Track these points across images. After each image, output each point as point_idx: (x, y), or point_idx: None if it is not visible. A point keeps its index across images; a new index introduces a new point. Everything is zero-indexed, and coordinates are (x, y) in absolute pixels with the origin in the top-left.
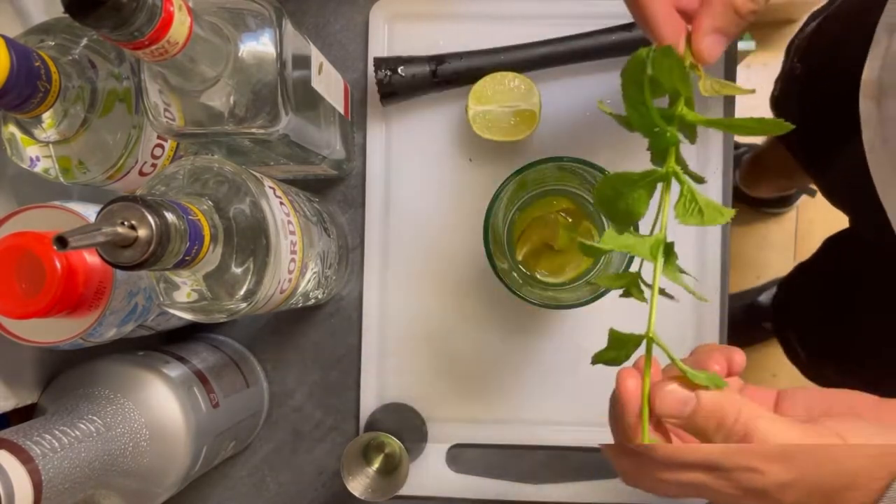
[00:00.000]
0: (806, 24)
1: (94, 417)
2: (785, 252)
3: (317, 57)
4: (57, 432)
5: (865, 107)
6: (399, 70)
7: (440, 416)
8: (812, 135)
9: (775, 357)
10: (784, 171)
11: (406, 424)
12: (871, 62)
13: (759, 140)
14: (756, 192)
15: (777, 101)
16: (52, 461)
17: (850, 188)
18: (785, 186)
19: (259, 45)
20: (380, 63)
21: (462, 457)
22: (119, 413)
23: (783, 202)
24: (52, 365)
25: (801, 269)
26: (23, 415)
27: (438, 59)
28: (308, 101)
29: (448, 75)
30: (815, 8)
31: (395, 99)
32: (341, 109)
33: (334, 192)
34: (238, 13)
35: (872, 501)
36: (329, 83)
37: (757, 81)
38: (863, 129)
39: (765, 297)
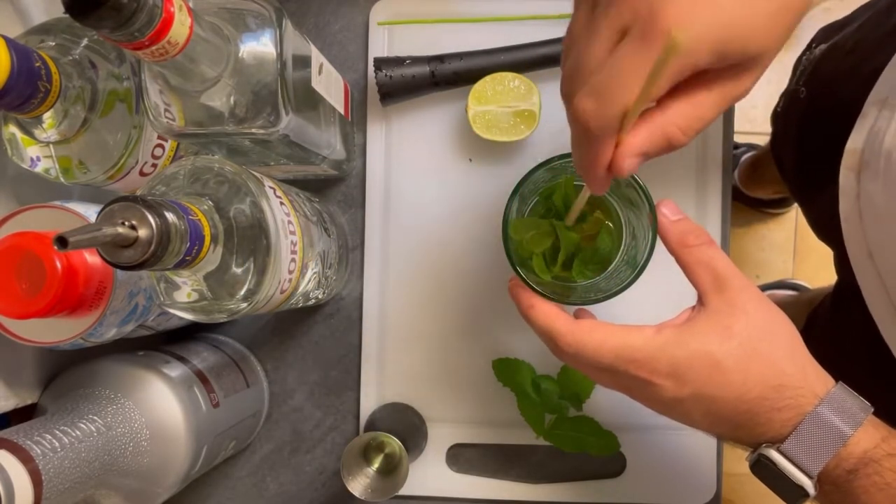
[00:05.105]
0: (815, 42)
1: (95, 417)
2: (785, 252)
3: (317, 57)
4: (57, 432)
5: (845, 177)
6: (399, 71)
7: (440, 416)
8: (804, 164)
9: None
10: (779, 176)
11: (406, 424)
12: (857, 133)
13: (759, 141)
14: (755, 192)
15: (777, 118)
16: (52, 461)
17: (833, 226)
18: (782, 190)
19: (259, 46)
20: (380, 63)
21: (462, 457)
22: (119, 413)
23: (782, 203)
24: (52, 365)
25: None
26: (23, 415)
27: (438, 60)
28: (308, 101)
29: (448, 76)
30: (825, 24)
31: (395, 99)
32: (341, 109)
33: (334, 192)
34: (238, 13)
35: (782, 436)
36: (329, 83)
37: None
38: (840, 198)
39: None
